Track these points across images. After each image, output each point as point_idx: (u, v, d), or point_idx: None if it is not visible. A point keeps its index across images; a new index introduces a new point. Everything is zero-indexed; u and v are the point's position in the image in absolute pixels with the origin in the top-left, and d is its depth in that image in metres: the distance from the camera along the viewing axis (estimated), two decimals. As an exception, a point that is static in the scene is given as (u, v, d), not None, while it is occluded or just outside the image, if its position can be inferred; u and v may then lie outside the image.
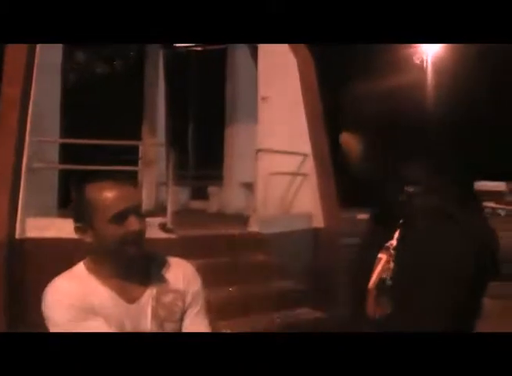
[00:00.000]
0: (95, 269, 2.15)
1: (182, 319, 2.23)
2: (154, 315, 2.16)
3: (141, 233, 2.09)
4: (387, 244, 1.49)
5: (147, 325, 2.14)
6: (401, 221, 1.47)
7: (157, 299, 2.17)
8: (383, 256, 1.49)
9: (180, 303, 2.21)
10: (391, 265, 1.47)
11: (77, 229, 2.14)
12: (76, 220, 2.14)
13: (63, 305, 2.06)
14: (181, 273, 2.26)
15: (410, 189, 1.51)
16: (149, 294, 2.17)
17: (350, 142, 1.59)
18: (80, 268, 2.18)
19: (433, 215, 1.43)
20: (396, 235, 1.47)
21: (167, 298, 2.19)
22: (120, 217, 2.05)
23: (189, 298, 2.24)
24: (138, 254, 2.11)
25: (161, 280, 2.21)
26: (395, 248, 1.47)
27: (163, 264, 2.26)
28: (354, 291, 1.57)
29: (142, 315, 2.14)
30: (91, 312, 2.06)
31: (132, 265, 2.13)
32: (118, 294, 2.12)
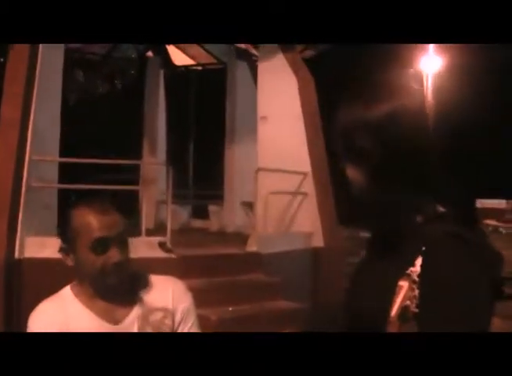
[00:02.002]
0: (81, 292, 2.15)
1: None
2: None
3: (122, 265, 2.06)
4: (408, 272, 1.47)
5: None
6: (423, 248, 1.46)
7: (144, 318, 2.15)
8: (404, 284, 1.48)
9: (169, 321, 2.20)
10: (416, 292, 1.45)
11: (60, 250, 2.13)
12: (61, 240, 2.13)
13: (45, 329, 2.06)
14: (169, 291, 2.24)
15: (423, 215, 1.54)
16: (136, 313, 2.15)
17: (354, 171, 1.58)
18: (66, 291, 2.19)
19: (452, 240, 1.44)
20: (418, 262, 1.47)
21: (155, 317, 2.17)
22: (101, 245, 2.03)
23: (178, 316, 2.22)
24: (119, 283, 2.09)
25: (148, 298, 2.19)
26: (419, 275, 1.46)
27: (150, 283, 2.24)
28: (371, 319, 1.53)
29: None
30: None
31: (118, 286, 2.11)
32: (102, 317, 2.12)
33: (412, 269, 1.47)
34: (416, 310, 1.45)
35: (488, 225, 27.66)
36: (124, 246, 2.07)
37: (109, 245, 2.03)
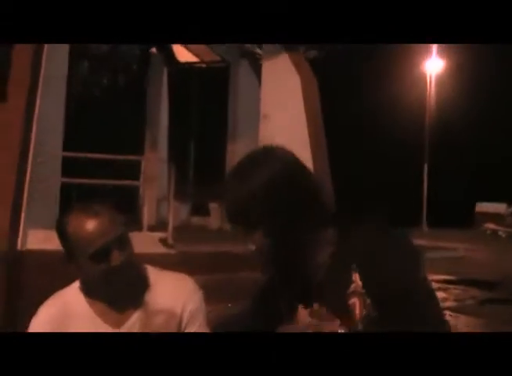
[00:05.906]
0: (87, 290, 2.09)
1: None
2: None
3: (125, 265, 1.99)
4: (353, 289, 1.57)
5: None
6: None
7: (147, 321, 2.08)
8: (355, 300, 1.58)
9: (174, 323, 2.11)
10: (368, 300, 1.56)
11: (65, 259, 2.03)
12: (64, 251, 2.05)
13: (45, 326, 2.04)
14: (177, 291, 2.16)
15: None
16: (138, 316, 2.08)
17: None
18: (72, 288, 2.13)
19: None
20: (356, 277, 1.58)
21: (159, 319, 2.09)
22: (101, 253, 1.95)
23: (186, 317, 2.14)
24: (125, 285, 2.02)
25: (153, 299, 2.11)
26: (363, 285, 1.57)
27: (158, 281, 2.15)
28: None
29: None
30: None
31: (124, 288, 2.05)
32: (103, 319, 2.07)
33: (354, 285, 1.57)
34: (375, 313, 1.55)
35: (487, 228, 27.61)
36: (124, 245, 2.00)
37: (110, 250, 1.96)
